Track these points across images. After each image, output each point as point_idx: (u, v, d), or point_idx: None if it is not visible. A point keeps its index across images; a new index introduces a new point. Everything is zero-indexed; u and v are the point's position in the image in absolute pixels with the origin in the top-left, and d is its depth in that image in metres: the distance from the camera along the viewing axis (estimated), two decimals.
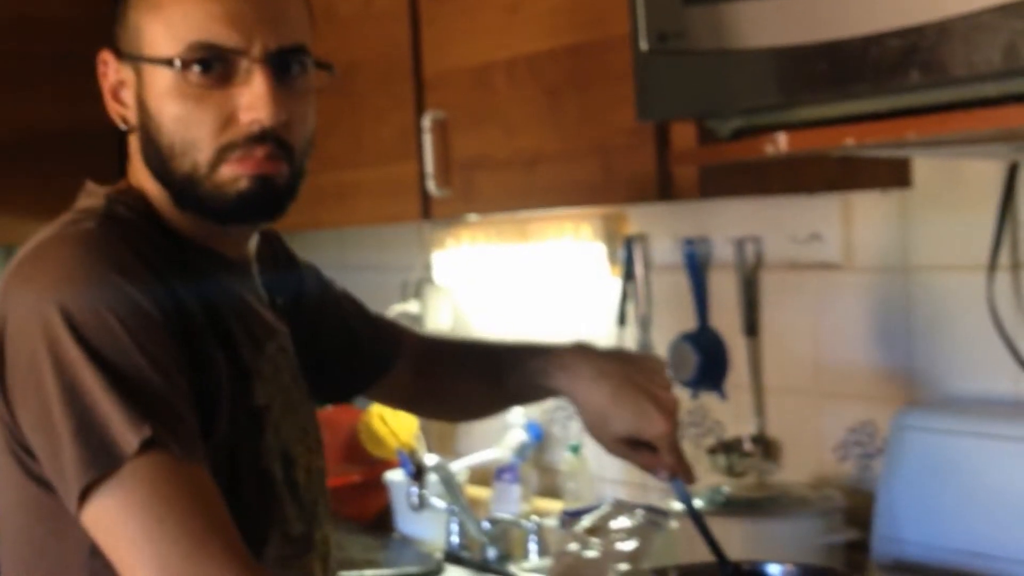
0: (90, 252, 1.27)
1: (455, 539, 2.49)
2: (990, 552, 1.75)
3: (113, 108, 1.41)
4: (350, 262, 3.12)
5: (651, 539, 2.08)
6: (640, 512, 2.11)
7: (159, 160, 1.36)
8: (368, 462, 2.71)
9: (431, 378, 1.74)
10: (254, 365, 1.39)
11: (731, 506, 1.98)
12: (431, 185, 2.15)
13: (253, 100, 1.33)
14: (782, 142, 1.47)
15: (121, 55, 1.38)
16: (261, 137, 1.34)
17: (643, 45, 1.56)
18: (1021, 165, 1.79)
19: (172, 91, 1.34)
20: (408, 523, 2.65)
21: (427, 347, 1.76)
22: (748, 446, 2.06)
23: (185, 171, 1.35)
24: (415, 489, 2.48)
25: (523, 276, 2.64)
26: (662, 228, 2.31)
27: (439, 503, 2.48)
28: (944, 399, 1.91)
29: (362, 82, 2.33)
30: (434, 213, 2.21)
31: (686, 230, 2.25)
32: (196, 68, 1.33)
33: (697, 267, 2.23)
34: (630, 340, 2.35)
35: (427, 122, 2.15)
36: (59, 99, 2.86)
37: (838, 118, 1.43)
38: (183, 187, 1.36)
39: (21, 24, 2.85)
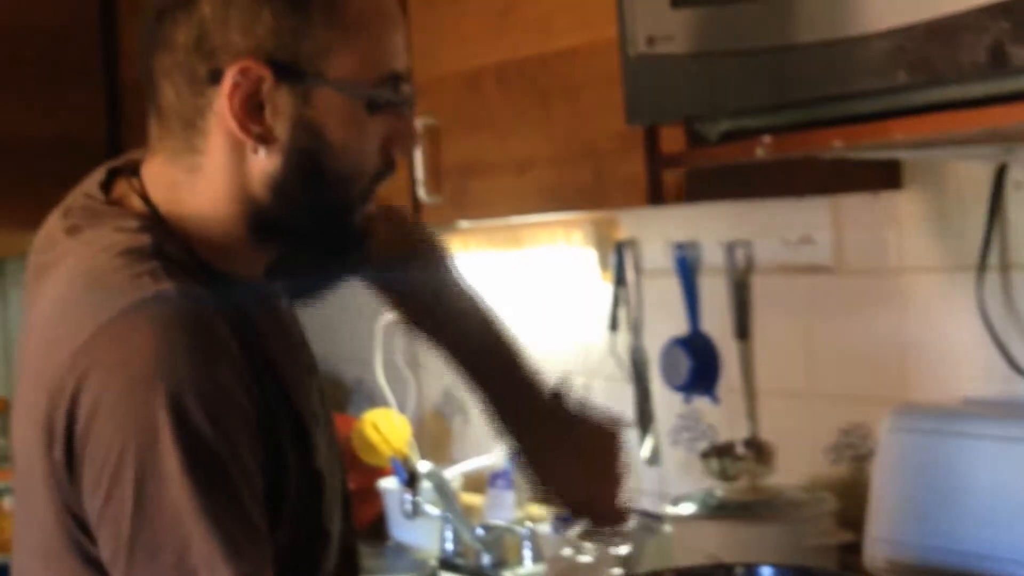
0: (182, 334, 1.16)
1: (449, 546, 2.49)
2: (983, 553, 1.75)
3: (243, 122, 1.25)
4: None
5: (645, 544, 2.08)
6: (634, 517, 2.11)
7: (313, 187, 1.27)
8: (361, 470, 2.70)
9: (423, 322, 1.64)
10: (307, 414, 1.32)
11: (724, 509, 1.99)
12: (422, 192, 2.16)
13: (407, 130, 1.31)
14: (770, 144, 1.47)
15: (285, 70, 1.24)
16: (392, 168, 1.32)
17: (631, 49, 1.56)
18: (1009, 166, 1.79)
19: (352, 116, 1.27)
20: (402, 530, 2.65)
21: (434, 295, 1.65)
22: (741, 450, 2.06)
23: (339, 200, 1.29)
24: (409, 496, 2.48)
25: (515, 282, 2.64)
26: (653, 233, 2.31)
27: (433, 510, 2.48)
28: (935, 400, 1.91)
29: None
30: (425, 220, 2.21)
31: (677, 235, 2.25)
32: (389, 97, 1.28)
33: (688, 271, 2.23)
34: (622, 345, 2.36)
35: (417, 128, 2.15)
36: (47, 108, 2.87)
37: (826, 120, 1.43)
38: (326, 218, 1.30)
39: (7, 32, 2.85)
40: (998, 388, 1.83)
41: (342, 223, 1.31)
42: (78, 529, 1.20)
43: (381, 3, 1.31)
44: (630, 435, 1.65)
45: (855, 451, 2.03)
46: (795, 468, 2.09)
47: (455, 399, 2.86)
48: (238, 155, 1.26)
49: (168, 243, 1.25)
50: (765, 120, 1.50)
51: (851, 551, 1.91)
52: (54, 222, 1.33)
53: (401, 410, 2.91)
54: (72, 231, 1.29)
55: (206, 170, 1.28)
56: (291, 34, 1.24)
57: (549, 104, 1.94)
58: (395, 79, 1.29)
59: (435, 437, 2.87)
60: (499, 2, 2.00)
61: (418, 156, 2.15)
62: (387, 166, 1.32)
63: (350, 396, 3.14)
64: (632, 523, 1.62)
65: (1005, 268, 1.82)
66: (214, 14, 1.24)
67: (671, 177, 1.76)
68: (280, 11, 1.24)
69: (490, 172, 2.06)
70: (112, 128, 2.96)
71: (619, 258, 2.34)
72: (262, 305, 1.33)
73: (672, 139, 1.71)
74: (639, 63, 1.57)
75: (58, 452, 1.18)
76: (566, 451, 1.57)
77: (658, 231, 2.30)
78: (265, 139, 1.25)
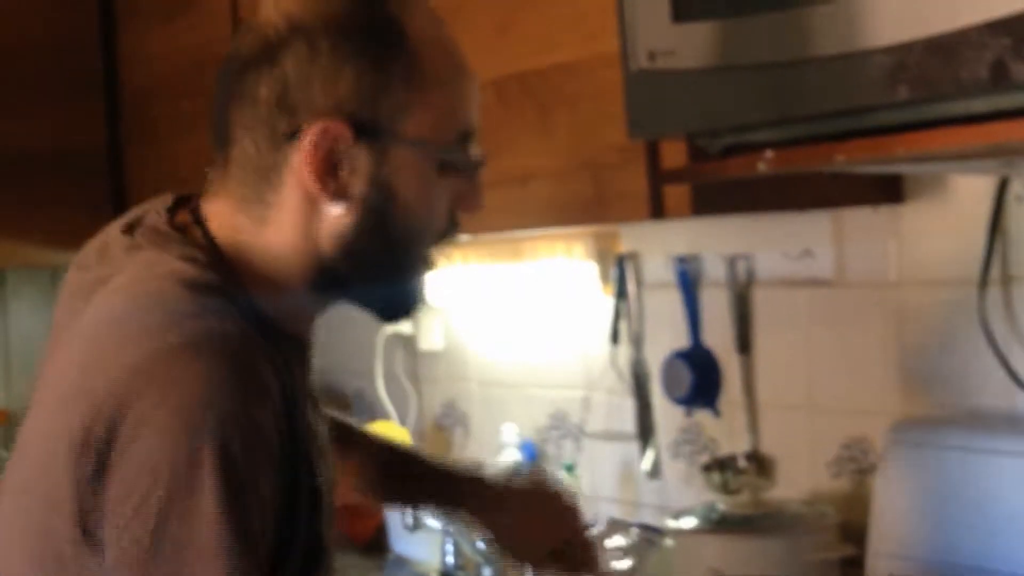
0: (233, 373, 1.16)
1: (450, 559, 2.49)
2: (985, 567, 1.75)
3: (321, 179, 1.26)
4: None
5: (646, 557, 2.08)
6: (635, 530, 2.11)
7: (382, 244, 1.29)
8: None
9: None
10: (323, 477, 1.32)
11: (726, 523, 1.98)
12: None
13: (475, 191, 1.33)
14: (772, 159, 1.47)
15: (364, 128, 1.25)
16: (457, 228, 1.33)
17: (633, 63, 1.56)
18: (1010, 180, 1.79)
19: (425, 175, 1.28)
20: (403, 543, 2.65)
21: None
22: (742, 463, 2.06)
23: (405, 258, 1.31)
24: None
25: (515, 295, 2.64)
26: (654, 246, 2.31)
27: (434, 523, 2.48)
28: (937, 414, 1.91)
29: None
30: None
31: (678, 248, 2.25)
32: (463, 157, 1.29)
33: (689, 285, 2.23)
34: (623, 358, 2.35)
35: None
36: (46, 119, 2.87)
37: (828, 135, 1.43)
38: (391, 274, 1.31)
39: (5, 43, 2.85)
40: (1000, 401, 1.83)
41: (405, 280, 1.33)
42: (82, 539, 1.19)
43: (460, 61, 1.32)
44: (563, 482, 1.77)
45: (857, 465, 2.03)
46: (797, 482, 2.09)
47: (456, 411, 2.86)
48: (310, 210, 1.28)
49: (228, 282, 1.26)
50: (767, 135, 1.50)
51: (853, 565, 1.91)
52: (113, 238, 1.34)
53: (402, 423, 2.91)
54: (133, 248, 1.30)
55: (275, 222, 1.29)
56: (371, 92, 1.25)
57: (550, 118, 1.94)
58: (468, 138, 1.31)
59: (436, 450, 2.87)
60: (499, 16, 2.00)
61: None
62: (452, 226, 1.33)
63: (350, 408, 3.14)
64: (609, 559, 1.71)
65: (1006, 282, 1.82)
66: (297, 71, 1.25)
67: (672, 191, 1.76)
68: (362, 69, 1.25)
69: (491, 186, 2.04)
70: (112, 139, 2.96)
71: (620, 271, 2.33)
72: (301, 359, 1.34)
73: (674, 153, 1.71)
74: (640, 77, 1.57)
75: (89, 466, 1.17)
76: (514, 513, 1.64)
77: (659, 244, 2.30)
78: (340, 196, 1.27)
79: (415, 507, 1.78)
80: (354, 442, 1.72)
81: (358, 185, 1.27)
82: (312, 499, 1.28)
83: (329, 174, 1.26)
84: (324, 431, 1.41)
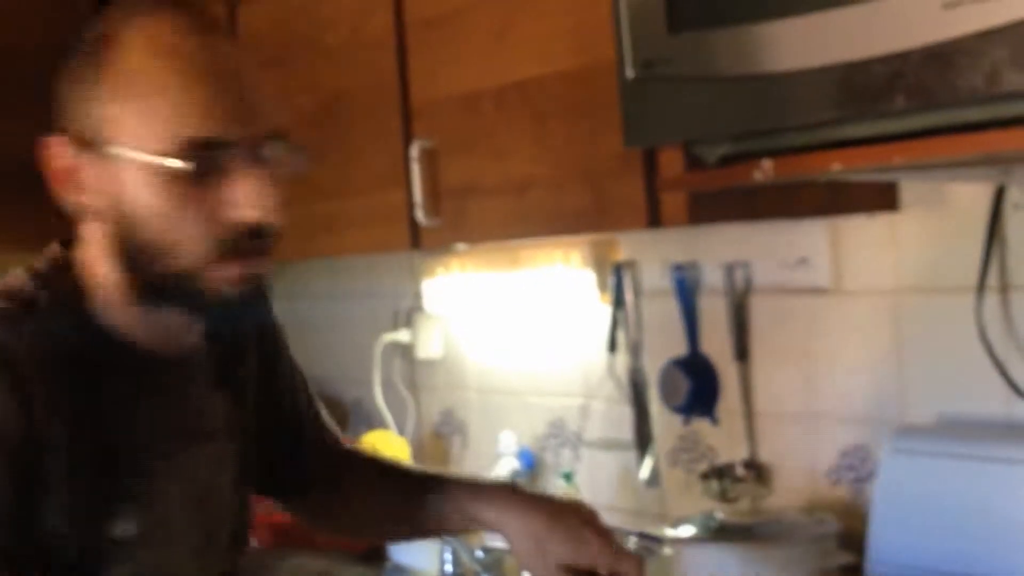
0: None
1: (449, 568, 2.48)
2: (984, 574, 1.75)
3: (61, 195, 1.34)
4: (341, 290, 3.12)
5: (645, 566, 2.07)
6: (633, 539, 2.11)
7: (140, 256, 1.31)
8: None
9: (341, 491, 1.71)
10: (142, 487, 1.35)
11: (725, 532, 1.98)
12: (420, 214, 2.15)
13: (246, 196, 1.28)
14: (769, 168, 1.47)
15: (84, 142, 1.31)
16: (253, 234, 1.30)
17: (629, 72, 1.56)
18: (1007, 188, 1.79)
19: (158, 186, 1.27)
20: (401, 552, 2.64)
21: (342, 458, 1.74)
22: (741, 471, 2.06)
23: (174, 270, 1.29)
24: None
25: (514, 304, 2.64)
26: (651, 254, 2.31)
27: None
28: (935, 422, 1.91)
29: (350, 112, 2.34)
30: (423, 243, 2.21)
31: (675, 256, 2.25)
32: (190, 164, 1.26)
33: (687, 293, 2.23)
34: (621, 366, 2.35)
35: (415, 151, 2.15)
36: (46, 128, 2.86)
37: (825, 143, 1.43)
38: (168, 285, 1.31)
39: (6, 48, 2.84)
40: (998, 410, 1.83)
41: (192, 291, 1.32)
42: None
43: (191, 69, 1.30)
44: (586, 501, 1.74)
45: (855, 473, 2.03)
46: (795, 490, 2.09)
47: (454, 420, 2.86)
48: (89, 227, 1.35)
49: (63, 297, 1.33)
50: (764, 144, 1.50)
51: (852, 573, 1.91)
52: None
53: (400, 432, 2.91)
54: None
55: (85, 240, 1.37)
56: (87, 107, 1.31)
57: (547, 126, 1.94)
58: (198, 143, 1.28)
59: (434, 459, 2.87)
60: (497, 24, 2.00)
61: (416, 178, 2.15)
62: (240, 232, 1.30)
63: (348, 417, 3.14)
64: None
65: (1004, 289, 1.82)
66: (60, 91, 1.34)
67: (670, 199, 1.76)
68: (80, 85, 1.32)
69: (488, 194, 2.05)
70: None
71: (618, 279, 2.33)
72: (126, 362, 1.36)
73: (671, 162, 1.71)
74: (637, 86, 1.57)
75: None
76: (540, 522, 1.60)
77: (657, 252, 2.30)
78: (89, 211, 1.33)
79: (434, 530, 1.75)
80: (374, 482, 1.72)
81: (94, 199, 1.32)
82: (126, 500, 1.33)
83: (68, 189, 1.33)
84: (209, 436, 1.45)
